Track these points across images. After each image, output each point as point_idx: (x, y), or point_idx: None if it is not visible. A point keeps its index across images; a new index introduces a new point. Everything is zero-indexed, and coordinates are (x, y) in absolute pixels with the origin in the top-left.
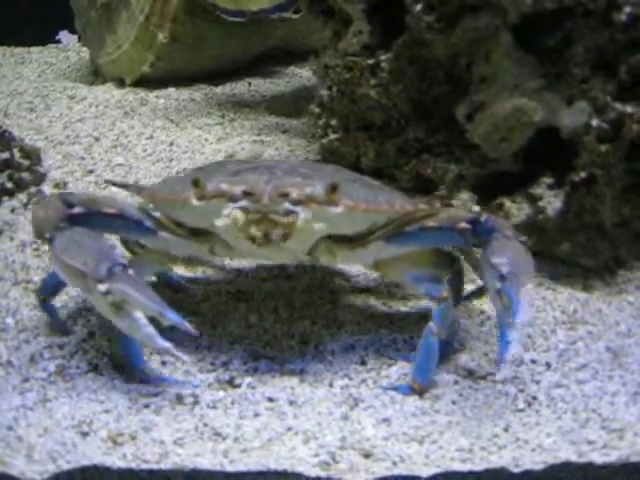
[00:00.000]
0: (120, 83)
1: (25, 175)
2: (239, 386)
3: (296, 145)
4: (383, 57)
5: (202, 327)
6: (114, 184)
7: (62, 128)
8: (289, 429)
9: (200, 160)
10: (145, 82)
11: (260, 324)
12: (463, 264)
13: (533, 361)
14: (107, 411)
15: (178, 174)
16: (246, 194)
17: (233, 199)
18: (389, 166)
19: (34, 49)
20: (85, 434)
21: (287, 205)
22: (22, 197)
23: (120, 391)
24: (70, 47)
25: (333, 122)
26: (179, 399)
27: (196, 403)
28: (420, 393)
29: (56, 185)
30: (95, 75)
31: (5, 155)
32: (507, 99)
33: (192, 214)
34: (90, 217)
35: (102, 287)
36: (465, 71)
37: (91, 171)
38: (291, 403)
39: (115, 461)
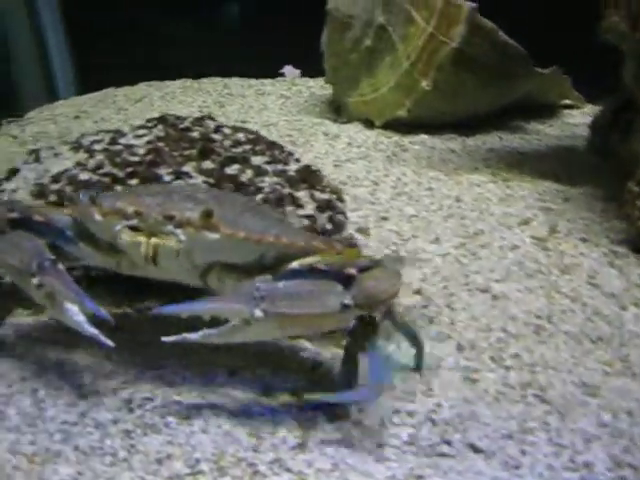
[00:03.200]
0: (367, 124)
1: (341, 217)
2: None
3: (589, 219)
4: None
5: None
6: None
7: (333, 166)
8: None
9: (491, 221)
10: (394, 125)
11: None
12: None
13: None
14: None
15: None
16: (136, 213)
17: (126, 217)
18: None
19: (265, 81)
20: None
21: (169, 227)
22: (337, 239)
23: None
24: (297, 82)
25: None
26: None
27: None
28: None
29: (359, 230)
30: (337, 113)
31: (325, 195)
32: None
33: (97, 229)
34: (25, 222)
35: (35, 280)
36: None
37: (385, 218)
38: None
39: None
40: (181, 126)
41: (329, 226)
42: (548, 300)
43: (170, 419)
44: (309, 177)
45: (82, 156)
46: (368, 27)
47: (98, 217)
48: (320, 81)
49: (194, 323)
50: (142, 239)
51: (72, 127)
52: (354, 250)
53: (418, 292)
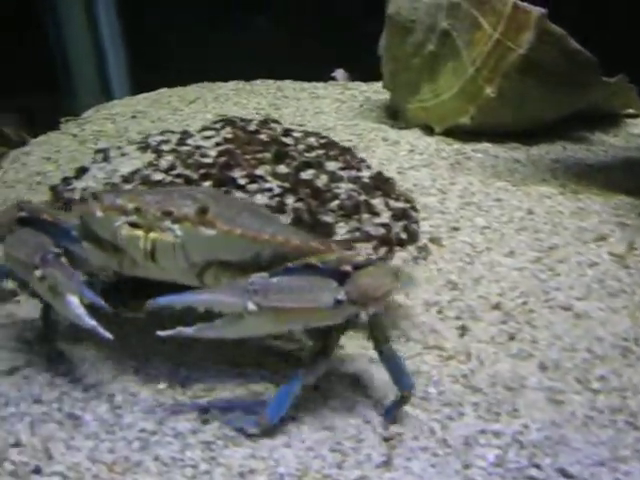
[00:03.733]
0: (427, 130)
1: (415, 226)
2: None
3: None
4: None
5: None
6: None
7: (397, 173)
8: None
9: (565, 235)
10: (454, 132)
11: None
12: None
13: None
14: None
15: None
16: (136, 209)
17: (125, 213)
18: None
19: (318, 84)
20: None
21: (167, 223)
22: (412, 249)
23: None
24: (350, 86)
25: None
26: None
27: None
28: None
29: (432, 240)
30: (394, 118)
31: (400, 204)
32: None
33: (98, 226)
34: (33, 221)
35: (38, 273)
36: None
37: (456, 229)
38: None
39: None
40: (249, 129)
41: (404, 235)
42: (633, 321)
43: (252, 431)
44: (383, 184)
45: (150, 156)
46: (431, 32)
47: (99, 213)
48: (373, 85)
49: None
50: (140, 234)
51: (130, 126)
52: (350, 252)
53: (497, 307)
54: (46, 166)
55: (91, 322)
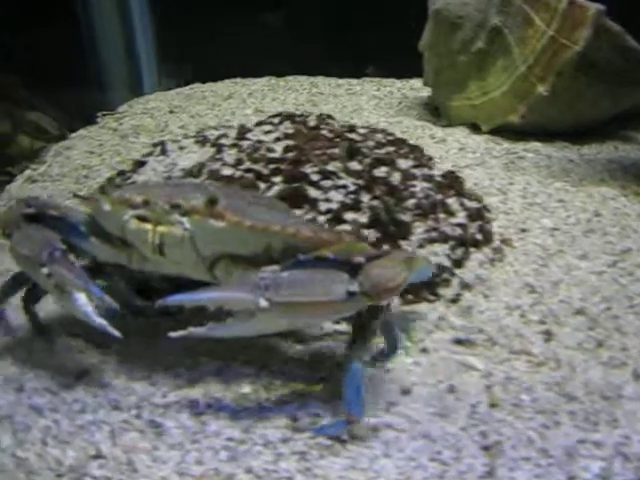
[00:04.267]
0: (473, 128)
1: (489, 227)
2: None
3: None
4: None
5: None
6: (75, 196)
7: None
8: None
9: (636, 238)
10: (502, 131)
11: None
12: None
13: None
14: None
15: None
16: (144, 203)
17: (133, 207)
18: None
19: (353, 81)
20: None
21: (175, 216)
22: (487, 251)
23: None
24: (384, 82)
25: None
26: None
27: None
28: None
29: (503, 241)
30: (435, 115)
31: (474, 204)
32: None
33: (106, 221)
34: (40, 217)
35: (45, 270)
36: None
37: (524, 230)
38: None
39: None
40: (310, 124)
41: (479, 236)
42: None
43: (346, 439)
44: (454, 183)
45: (209, 150)
46: (480, 28)
47: (106, 207)
48: (408, 82)
49: None
50: (148, 227)
51: (169, 121)
52: (362, 244)
53: (580, 312)
54: (91, 160)
55: (99, 320)
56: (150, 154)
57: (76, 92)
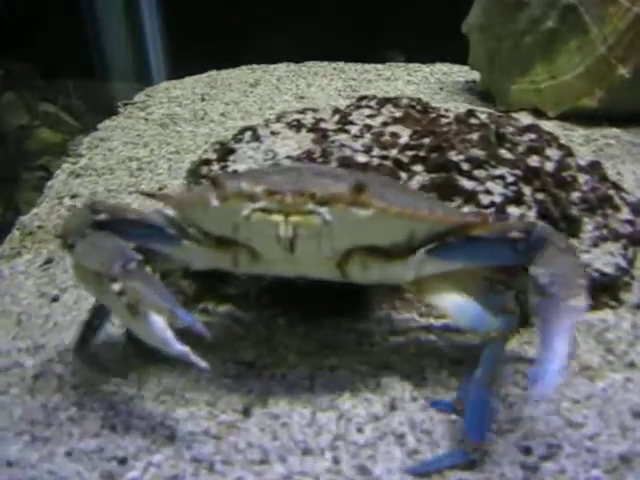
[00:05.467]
0: (535, 114)
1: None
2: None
3: None
4: None
5: None
6: (142, 193)
7: None
8: None
9: None
10: (569, 116)
11: None
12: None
13: None
14: None
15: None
16: (267, 193)
17: (253, 199)
18: None
19: (379, 66)
20: None
21: (311, 206)
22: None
23: None
24: (410, 67)
25: None
26: None
27: None
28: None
29: None
30: (488, 100)
31: (632, 197)
32: None
33: (213, 217)
34: (114, 224)
35: (116, 286)
36: None
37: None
38: None
39: None
40: (417, 107)
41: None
42: None
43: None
44: (605, 175)
45: (309, 136)
46: (551, 7)
47: (215, 202)
48: (436, 66)
49: None
50: (280, 219)
51: (207, 108)
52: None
53: None
54: (137, 151)
55: (181, 348)
56: (238, 140)
57: (82, 83)
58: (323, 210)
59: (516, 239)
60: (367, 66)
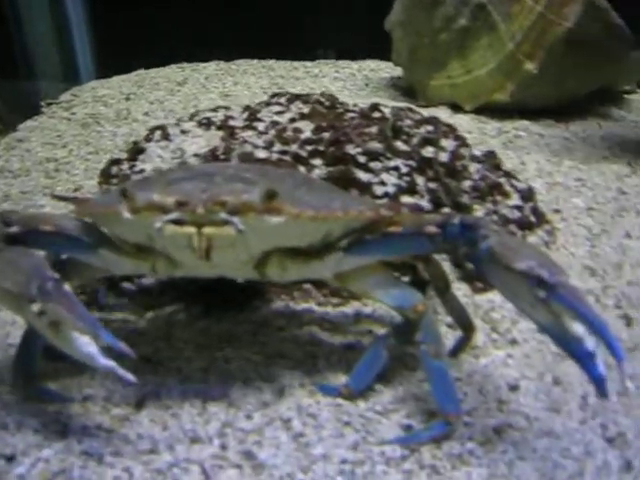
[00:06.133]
0: (453, 108)
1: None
2: None
3: None
4: None
5: None
6: (55, 197)
7: None
8: None
9: None
10: (484, 110)
11: None
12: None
13: None
14: None
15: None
16: (179, 205)
17: (165, 210)
18: None
19: (307, 64)
20: None
21: (223, 215)
22: (542, 233)
23: None
24: (339, 64)
25: None
26: None
27: None
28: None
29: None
30: (410, 96)
31: (523, 184)
32: None
33: (126, 228)
34: (28, 236)
35: (35, 307)
36: None
37: (558, 211)
38: None
39: None
40: (326, 103)
41: (533, 218)
42: None
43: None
44: (499, 163)
45: (218, 133)
46: (463, 5)
47: (127, 215)
48: (364, 63)
49: None
50: (192, 231)
51: (131, 108)
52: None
53: None
54: (55, 152)
55: (107, 362)
56: (149, 140)
57: (5, 83)
58: (236, 220)
59: (432, 234)
60: (296, 64)
